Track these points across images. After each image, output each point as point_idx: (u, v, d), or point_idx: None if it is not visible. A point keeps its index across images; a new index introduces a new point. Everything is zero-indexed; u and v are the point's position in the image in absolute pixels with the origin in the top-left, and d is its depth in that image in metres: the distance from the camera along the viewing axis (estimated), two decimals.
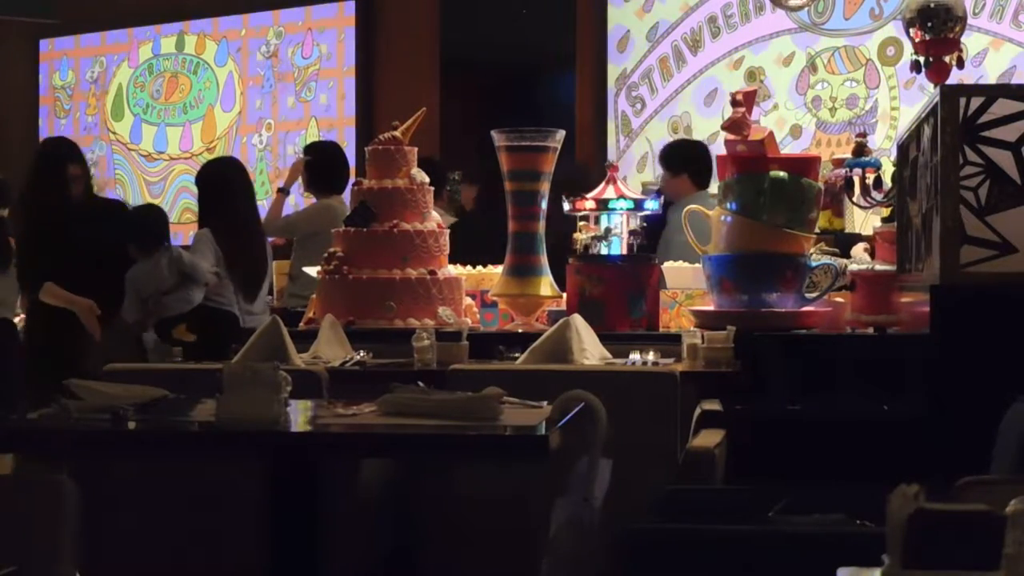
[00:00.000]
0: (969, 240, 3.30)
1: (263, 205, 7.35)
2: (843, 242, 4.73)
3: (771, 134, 4.25)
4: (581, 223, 4.48)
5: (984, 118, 3.31)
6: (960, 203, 3.30)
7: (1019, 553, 1.38)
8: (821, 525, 2.34)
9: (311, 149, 6.83)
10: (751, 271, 4.10)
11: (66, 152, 5.77)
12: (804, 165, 4.20)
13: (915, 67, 3.86)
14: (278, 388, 2.69)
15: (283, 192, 6.66)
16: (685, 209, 4.41)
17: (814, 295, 4.13)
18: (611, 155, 7.65)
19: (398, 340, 4.04)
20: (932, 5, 3.77)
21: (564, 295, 4.50)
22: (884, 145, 6.90)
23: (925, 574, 1.42)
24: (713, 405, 3.54)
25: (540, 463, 2.63)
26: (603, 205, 4.44)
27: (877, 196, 4.24)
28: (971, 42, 6.71)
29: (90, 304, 5.35)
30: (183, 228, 8.98)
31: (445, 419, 2.67)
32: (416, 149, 4.66)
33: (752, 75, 7.52)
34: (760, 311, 4.06)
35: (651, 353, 3.85)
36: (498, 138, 4.53)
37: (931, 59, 3.80)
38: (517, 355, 3.87)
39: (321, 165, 6.46)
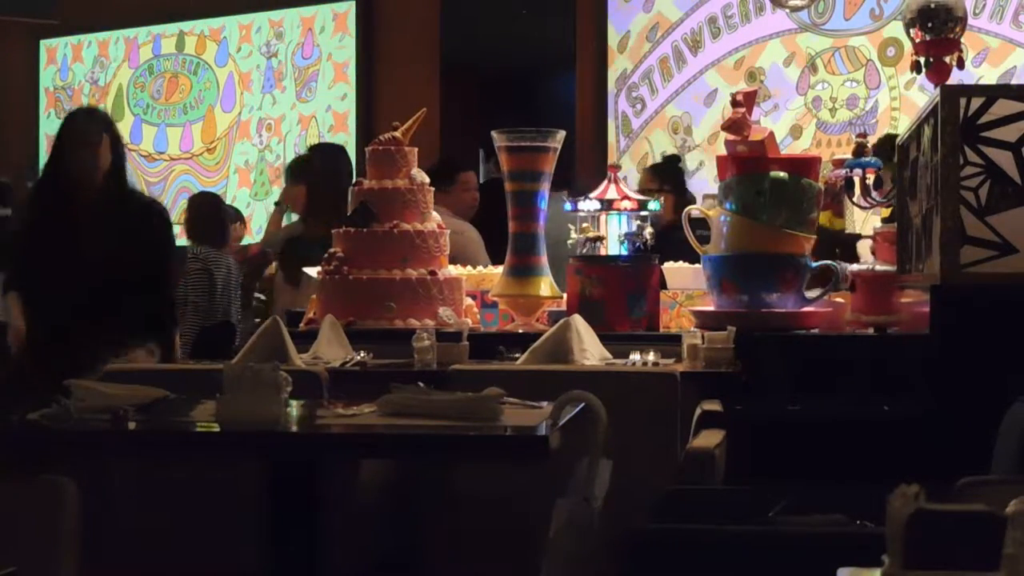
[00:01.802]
0: (969, 240, 3.30)
1: (264, 205, 7.36)
2: (843, 242, 4.73)
3: (771, 134, 4.25)
4: (584, 224, 4.47)
5: (984, 118, 3.31)
6: (960, 203, 3.30)
7: (1019, 553, 1.38)
8: (821, 525, 2.34)
9: (314, 150, 6.83)
10: (751, 271, 4.10)
11: (76, 119, 4.90)
12: (804, 165, 4.20)
13: (915, 67, 3.86)
14: (278, 388, 2.69)
15: (279, 207, 6.65)
16: (686, 209, 4.40)
17: (814, 295, 4.13)
18: (611, 155, 7.65)
19: (398, 340, 4.04)
20: (932, 5, 3.77)
21: (564, 295, 4.50)
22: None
23: (925, 574, 1.42)
24: (713, 405, 3.54)
25: (540, 463, 2.63)
26: (643, 206, 4.44)
27: (877, 196, 4.25)
28: (971, 42, 6.71)
29: (18, 331, 4.69)
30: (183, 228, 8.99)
31: (445, 419, 2.67)
32: (416, 149, 4.66)
33: (752, 75, 7.53)
34: (760, 311, 4.06)
35: (651, 353, 3.85)
36: (498, 138, 4.53)
37: (931, 59, 3.80)
38: (517, 355, 3.87)
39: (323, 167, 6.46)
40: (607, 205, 4.44)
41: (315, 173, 6.02)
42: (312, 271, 4.83)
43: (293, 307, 5.13)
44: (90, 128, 4.77)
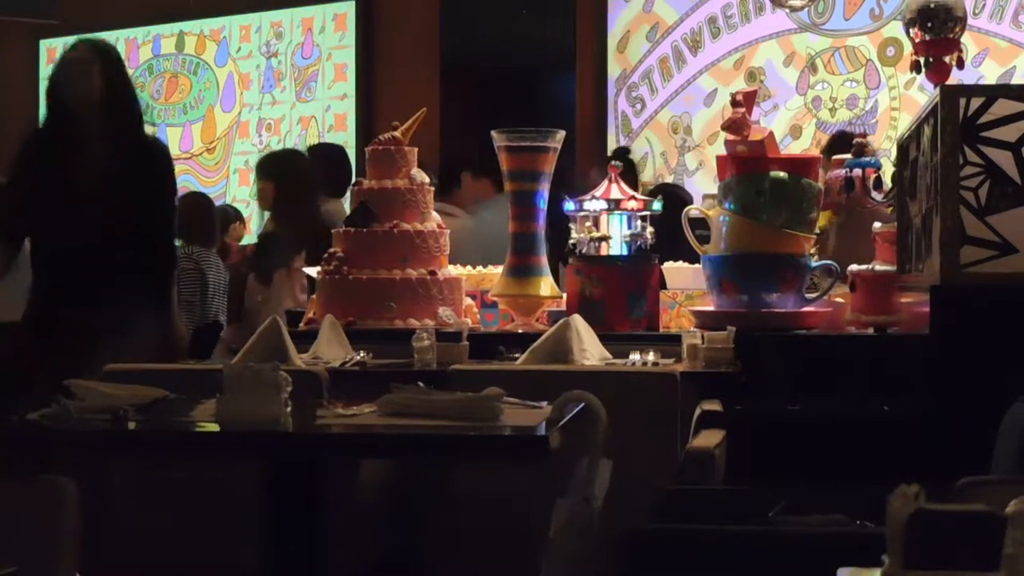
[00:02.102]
0: (969, 240, 3.30)
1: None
2: None
3: (771, 134, 4.25)
4: (587, 224, 4.45)
5: (984, 118, 3.31)
6: (960, 203, 3.30)
7: (1019, 553, 1.38)
8: (821, 525, 2.34)
9: (314, 150, 6.83)
10: (751, 271, 4.10)
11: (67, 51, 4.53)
12: (804, 165, 4.20)
13: (915, 67, 3.86)
14: (278, 388, 2.69)
15: None
16: (685, 209, 4.40)
17: (814, 295, 4.13)
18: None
19: (398, 340, 4.04)
20: (932, 5, 3.77)
21: (564, 295, 4.50)
22: (884, 145, 6.90)
23: (925, 574, 1.42)
24: (713, 405, 3.54)
25: (540, 463, 2.63)
26: (648, 206, 4.45)
27: (877, 196, 4.25)
28: (971, 42, 6.71)
29: None
30: None
31: (445, 419, 2.67)
32: (416, 149, 4.66)
33: (752, 75, 7.53)
34: (760, 311, 4.06)
35: (651, 353, 3.84)
36: (498, 138, 4.53)
37: (931, 59, 3.80)
38: (517, 355, 3.87)
39: (322, 167, 6.45)
40: (614, 205, 4.43)
41: (282, 171, 5.88)
42: (312, 271, 4.83)
43: (266, 307, 5.09)
44: (76, 57, 4.48)
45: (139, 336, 4.29)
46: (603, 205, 4.42)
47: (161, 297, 4.59)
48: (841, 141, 5.43)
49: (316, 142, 8.12)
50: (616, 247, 4.40)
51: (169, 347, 4.53)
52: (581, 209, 4.44)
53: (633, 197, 4.44)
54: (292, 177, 5.79)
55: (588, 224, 4.43)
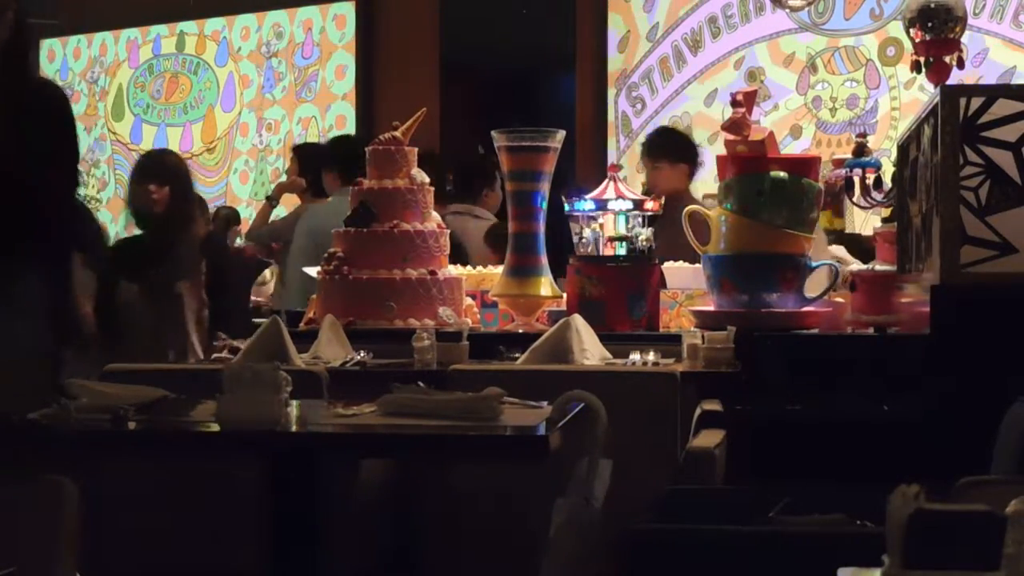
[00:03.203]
0: (969, 240, 3.30)
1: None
2: (843, 242, 4.73)
3: (771, 134, 4.25)
4: (599, 223, 4.44)
5: (984, 118, 3.31)
6: (960, 203, 3.30)
7: (1019, 553, 1.38)
8: (821, 525, 2.34)
9: (300, 150, 6.83)
10: (751, 271, 4.09)
11: None
12: (804, 165, 4.20)
13: (915, 67, 3.86)
14: (278, 388, 2.69)
15: (270, 201, 6.66)
16: (685, 210, 4.40)
17: (814, 295, 4.13)
18: (611, 155, 7.65)
19: (398, 340, 4.04)
20: (932, 5, 3.77)
21: (564, 295, 4.50)
22: (884, 145, 6.91)
23: (925, 574, 1.42)
24: (713, 405, 3.54)
25: (540, 463, 2.63)
26: (661, 207, 4.46)
27: (877, 196, 4.25)
28: (971, 42, 6.71)
29: None
30: None
31: (445, 419, 2.67)
32: (416, 149, 4.66)
33: (752, 75, 7.53)
34: (760, 311, 4.06)
35: (651, 353, 3.85)
36: (498, 138, 4.53)
37: (931, 59, 3.80)
38: (517, 355, 3.87)
39: (309, 167, 6.45)
40: (638, 205, 4.42)
41: (178, 175, 5.38)
42: (312, 271, 4.83)
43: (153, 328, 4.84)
44: None
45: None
46: (629, 205, 4.41)
47: (46, 261, 3.99)
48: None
49: (304, 143, 8.11)
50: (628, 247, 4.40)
51: (62, 321, 4.03)
52: (604, 208, 4.42)
53: (652, 198, 4.46)
54: (187, 183, 5.39)
55: (600, 222, 4.41)
